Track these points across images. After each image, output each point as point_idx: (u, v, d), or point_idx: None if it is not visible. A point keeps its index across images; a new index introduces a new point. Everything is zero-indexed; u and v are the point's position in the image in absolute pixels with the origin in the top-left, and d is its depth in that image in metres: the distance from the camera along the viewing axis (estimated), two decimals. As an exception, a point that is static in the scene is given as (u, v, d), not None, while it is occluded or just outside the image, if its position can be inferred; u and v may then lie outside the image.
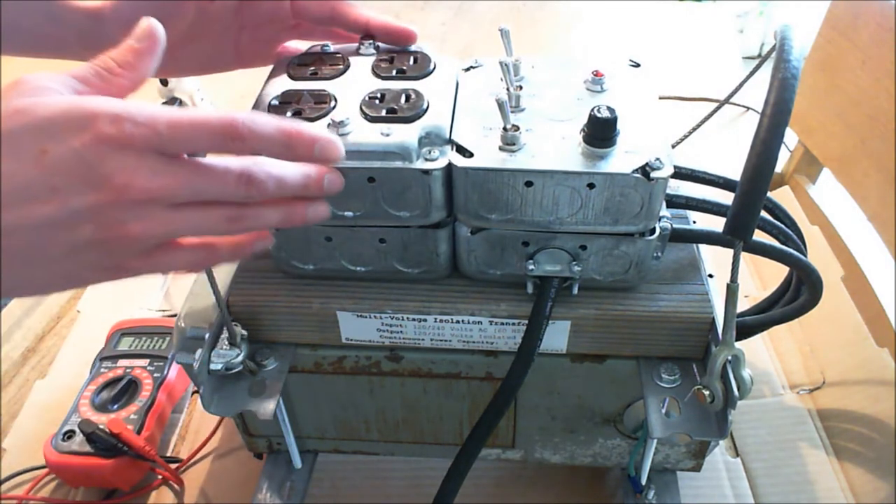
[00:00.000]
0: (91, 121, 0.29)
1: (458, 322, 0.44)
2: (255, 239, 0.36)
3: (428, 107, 0.40)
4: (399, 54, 0.45)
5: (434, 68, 0.44)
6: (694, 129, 0.59)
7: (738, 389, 0.39)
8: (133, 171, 0.29)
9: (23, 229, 0.29)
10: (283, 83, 0.43)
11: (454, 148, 0.39)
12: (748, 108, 0.98)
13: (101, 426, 0.56)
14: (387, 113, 0.40)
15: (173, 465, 0.60)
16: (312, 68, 0.44)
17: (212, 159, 0.31)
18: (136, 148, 0.29)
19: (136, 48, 0.33)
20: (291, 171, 0.33)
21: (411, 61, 0.44)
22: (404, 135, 0.38)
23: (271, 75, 0.44)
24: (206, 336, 0.43)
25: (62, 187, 0.29)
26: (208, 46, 0.47)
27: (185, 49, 0.46)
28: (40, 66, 0.34)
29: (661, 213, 0.40)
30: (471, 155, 0.38)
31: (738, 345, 0.39)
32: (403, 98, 0.41)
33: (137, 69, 0.33)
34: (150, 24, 0.33)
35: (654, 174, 0.37)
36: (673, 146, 0.59)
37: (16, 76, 0.31)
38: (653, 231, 0.40)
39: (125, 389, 0.61)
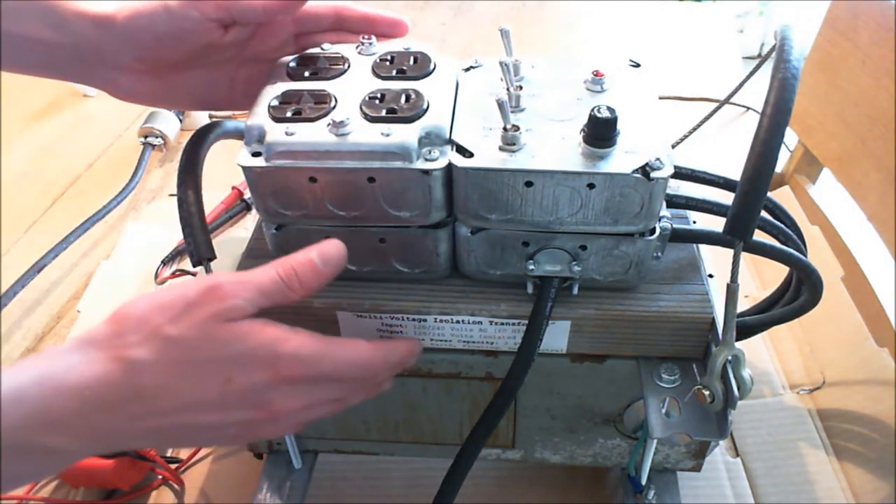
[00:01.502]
0: (275, 362, 0.34)
1: (458, 322, 0.44)
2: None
3: (428, 107, 0.40)
4: (399, 54, 0.45)
5: (434, 68, 0.44)
6: (694, 129, 0.59)
7: (738, 389, 0.39)
8: (292, 399, 0.36)
9: (185, 428, 0.34)
10: (283, 83, 0.43)
11: (454, 148, 0.39)
12: (748, 108, 0.98)
13: (101, 426, 0.56)
14: (387, 113, 0.40)
15: (173, 465, 0.60)
16: (312, 68, 0.44)
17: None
18: (302, 382, 0.36)
19: (321, 273, 0.37)
20: (397, 358, 0.40)
21: (411, 61, 0.44)
22: (404, 135, 0.38)
23: (271, 75, 0.44)
24: (206, 336, 0.43)
25: (233, 407, 0.34)
26: (204, 78, 0.45)
27: (181, 76, 0.44)
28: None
29: (661, 213, 0.40)
30: (471, 155, 0.38)
31: (738, 345, 0.39)
32: (403, 98, 0.41)
33: (312, 291, 0.37)
34: (340, 251, 0.38)
35: (654, 174, 0.37)
36: (673, 146, 0.59)
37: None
38: (653, 231, 0.40)
39: (125, 389, 0.61)
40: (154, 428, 0.33)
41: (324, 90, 0.42)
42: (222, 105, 0.47)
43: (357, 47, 0.46)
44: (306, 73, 0.43)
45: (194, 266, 0.42)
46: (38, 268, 0.78)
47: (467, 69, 0.46)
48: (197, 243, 0.41)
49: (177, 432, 0.35)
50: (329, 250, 0.37)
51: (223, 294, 0.34)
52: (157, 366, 0.33)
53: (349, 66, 0.44)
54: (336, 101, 0.41)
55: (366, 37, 0.46)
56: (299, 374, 0.35)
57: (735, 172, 0.39)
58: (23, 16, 0.40)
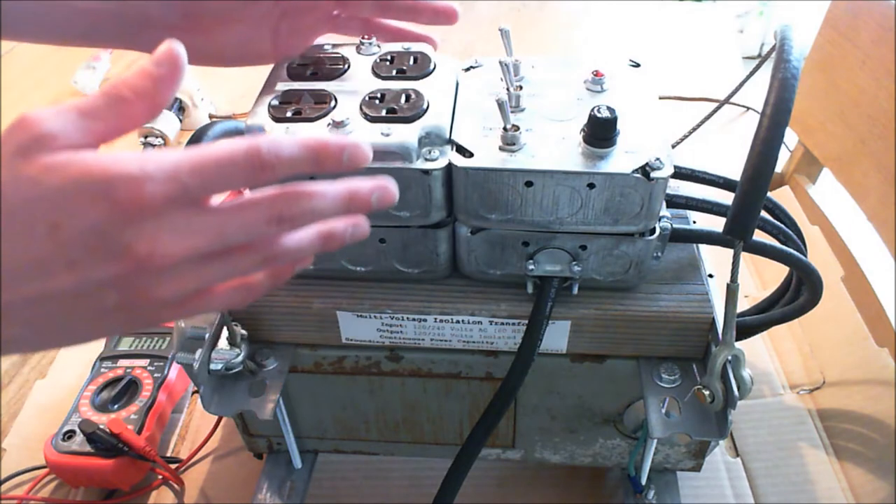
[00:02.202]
0: (106, 189, 0.26)
1: (458, 322, 0.44)
2: (292, 267, 0.34)
3: (428, 107, 0.40)
4: (399, 54, 0.45)
5: (434, 68, 0.44)
6: (694, 129, 0.59)
7: (738, 389, 0.39)
8: (155, 237, 0.27)
9: (43, 300, 0.27)
10: (284, 83, 0.43)
11: (454, 148, 0.39)
12: (748, 108, 0.98)
13: (102, 426, 0.56)
14: (387, 113, 0.40)
15: (173, 465, 0.60)
16: (312, 68, 0.44)
17: (238, 199, 0.30)
18: (158, 208, 0.27)
19: (154, 74, 0.29)
20: (331, 194, 0.30)
21: (411, 61, 0.44)
22: (404, 135, 0.38)
23: (271, 75, 0.44)
24: (206, 336, 0.43)
25: (80, 260, 0.27)
26: (245, 33, 0.44)
27: (221, 34, 0.44)
28: (41, 54, 0.33)
29: (661, 213, 0.40)
30: (471, 155, 0.38)
31: (738, 345, 0.39)
32: (403, 98, 0.41)
33: (154, 98, 0.30)
34: (171, 47, 0.30)
35: (654, 174, 0.37)
36: (673, 146, 0.59)
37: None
38: (653, 231, 0.40)
39: (125, 389, 0.61)
40: None
41: (324, 90, 0.42)
42: (268, 59, 0.46)
43: (357, 47, 0.46)
44: (306, 73, 0.43)
45: (194, 266, 0.42)
46: (37, 268, 0.77)
47: (467, 69, 0.46)
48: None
49: (32, 312, 0.28)
50: (161, 46, 0.30)
51: (30, 122, 0.27)
52: None
53: (349, 66, 0.44)
54: (336, 101, 0.41)
55: (366, 36, 0.46)
56: (149, 198, 0.26)
57: (735, 172, 0.39)
58: None
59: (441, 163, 0.38)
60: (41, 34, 0.42)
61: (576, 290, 0.42)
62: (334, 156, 0.30)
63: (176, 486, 0.60)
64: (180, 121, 0.98)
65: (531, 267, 0.41)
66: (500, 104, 0.38)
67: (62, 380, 0.68)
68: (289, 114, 0.40)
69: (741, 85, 0.48)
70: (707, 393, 0.40)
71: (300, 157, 0.29)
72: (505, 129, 0.39)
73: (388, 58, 0.44)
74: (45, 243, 0.26)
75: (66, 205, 0.26)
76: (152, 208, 0.27)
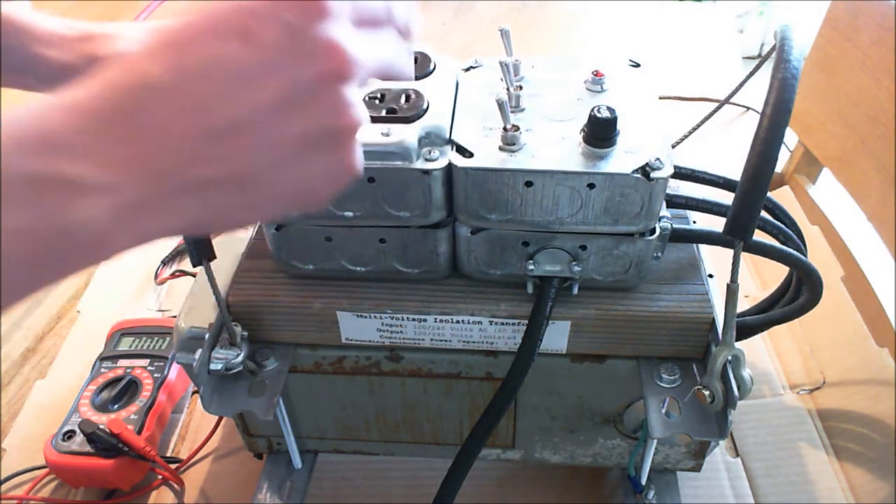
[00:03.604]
0: None
1: (458, 322, 0.44)
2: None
3: (428, 107, 0.40)
4: (399, 54, 0.45)
5: (434, 68, 0.44)
6: (694, 129, 0.59)
7: (738, 389, 0.39)
8: (344, 37, 0.26)
9: (258, 117, 0.25)
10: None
11: (454, 148, 0.39)
12: (748, 108, 0.98)
13: (102, 426, 0.56)
14: (387, 113, 0.40)
15: (173, 465, 0.60)
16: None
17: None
18: (340, 16, 0.26)
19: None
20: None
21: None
22: (404, 135, 0.38)
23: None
24: (206, 336, 0.43)
25: (278, 61, 0.25)
26: None
27: None
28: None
29: (661, 213, 0.40)
30: (471, 155, 0.38)
31: (738, 345, 0.39)
32: (403, 98, 0.41)
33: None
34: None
35: (654, 174, 0.37)
36: (673, 146, 0.59)
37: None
38: (653, 231, 0.40)
39: (125, 389, 0.61)
40: (203, 132, 0.25)
41: (324, 90, 0.41)
42: None
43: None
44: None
45: (194, 266, 0.42)
46: (38, 268, 0.77)
47: (467, 69, 0.46)
48: (197, 243, 0.41)
49: (242, 143, 0.25)
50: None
51: None
52: (164, 54, 0.25)
53: (349, 66, 0.44)
54: (336, 101, 0.41)
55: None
56: (333, 5, 0.26)
57: (735, 172, 0.39)
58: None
59: (441, 163, 0.38)
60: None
61: (576, 290, 0.42)
62: None
63: (176, 486, 0.60)
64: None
65: (531, 267, 0.41)
66: (500, 104, 0.38)
67: (62, 380, 0.68)
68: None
69: (741, 85, 0.48)
70: (707, 393, 0.40)
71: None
72: (505, 129, 0.38)
73: (388, 58, 0.44)
74: (241, 51, 0.25)
75: (254, 9, 0.25)
76: (336, 14, 0.26)
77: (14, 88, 0.43)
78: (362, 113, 0.28)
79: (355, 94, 0.27)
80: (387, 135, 0.38)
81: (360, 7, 0.28)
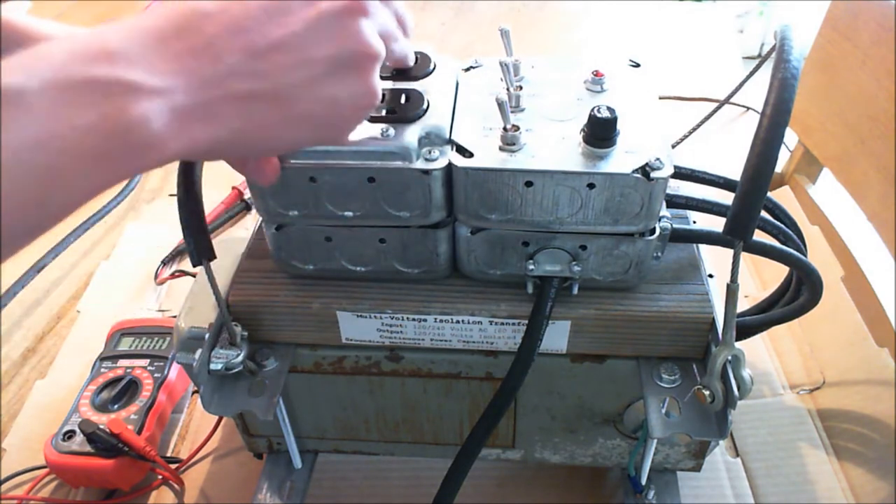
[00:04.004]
0: None
1: (458, 322, 0.44)
2: None
3: (428, 107, 0.40)
4: (399, 54, 0.45)
5: (434, 68, 0.44)
6: (694, 129, 0.59)
7: (738, 389, 0.39)
8: None
9: (292, 39, 0.29)
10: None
11: (454, 148, 0.39)
12: (748, 108, 0.98)
13: (102, 426, 0.56)
14: (387, 113, 0.40)
15: (173, 465, 0.60)
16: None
17: None
18: None
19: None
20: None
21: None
22: (404, 135, 0.38)
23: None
24: (206, 336, 0.43)
25: None
26: None
27: None
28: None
29: (661, 213, 0.40)
30: (471, 155, 0.38)
31: (738, 345, 0.39)
32: (403, 98, 0.41)
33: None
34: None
35: (654, 174, 0.37)
36: (673, 146, 0.59)
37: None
38: (653, 231, 0.40)
39: (125, 389, 0.61)
40: (245, 49, 0.28)
41: (324, 90, 0.41)
42: None
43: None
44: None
45: (194, 266, 0.42)
46: (38, 268, 0.78)
47: (467, 69, 0.46)
48: (197, 243, 0.41)
49: (277, 60, 0.29)
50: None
51: None
52: None
53: (349, 66, 0.44)
54: (336, 101, 0.41)
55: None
56: None
57: (735, 172, 0.39)
58: None
59: (441, 163, 0.38)
60: None
61: (576, 290, 0.42)
62: None
63: (176, 486, 0.60)
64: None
65: (531, 267, 0.41)
66: (500, 104, 0.38)
67: (62, 380, 0.68)
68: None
69: (741, 85, 0.48)
70: (707, 393, 0.40)
71: None
72: (505, 129, 0.39)
73: (388, 58, 0.44)
74: None
75: None
76: None
77: None
78: (380, 46, 0.32)
79: (373, 29, 0.31)
80: (387, 135, 0.38)
81: None
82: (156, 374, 0.62)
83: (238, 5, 0.28)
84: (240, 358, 0.43)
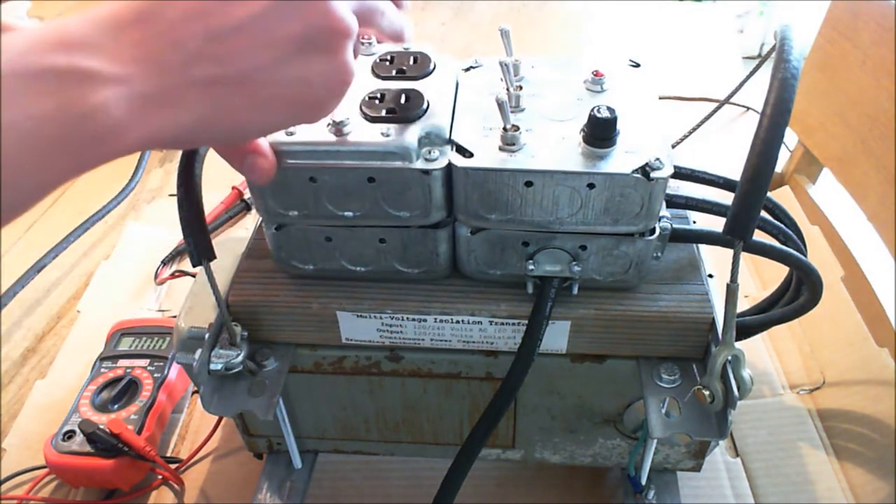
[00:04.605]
0: None
1: (458, 322, 0.44)
2: None
3: (428, 107, 0.40)
4: (399, 54, 0.45)
5: (434, 68, 0.44)
6: (694, 129, 0.59)
7: (738, 389, 0.39)
8: None
9: (254, 20, 0.28)
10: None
11: (454, 148, 0.39)
12: (748, 108, 0.98)
13: (102, 426, 0.56)
14: (387, 113, 0.40)
15: (173, 465, 0.60)
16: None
17: None
18: None
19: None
20: None
21: (411, 61, 0.44)
22: (404, 135, 0.38)
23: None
24: (206, 336, 0.43)
25: None
26: None
27: None
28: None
29: (661, 213, 0.40)
30: (471, 155, 0.38)
31: (738, 345, 0.39)
32: (403, 98, 0.41)
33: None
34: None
35: (654, 174, 0.37)
36: (673, 146, 0.59)
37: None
38: (653, 231, 0.40)
39: (125, 389, 0.61)
40: (205, 33, 0.27)
41: (324, 90, 0.41)
42: None
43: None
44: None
45: (194, 266, 0.42)
46: (38, 268, 0.78)
47: (467, 69, 0.46)
48: (197, 243, 0.41)
49: (240, 43, 0.28)
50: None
51: None
52: None
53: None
54: (336, 101, 0.41)
55: (366, 37, 0.46)
56: None
57: (735, 172, 0.39)
58: None
59: (441, 163, 0.38)
60: None
61: (576, 290, 0.42)
62: None
63: (176, 486, 0.60)
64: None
65: (531, 267, 0.41)
66: (500, 104, 0.38)
67: (62, 380, 0.68)
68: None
69: (741, 85, 0.48)
70: (707, 393, 0.40)
71: None
72: (505, 129, 0.38)
73: (388, 58, 0.44)
74: None
75: None
76: None
77: None
78: (352, 22, 0.30)
79: (344, 5, 0.30)
80: (387, 135, 0.38)
81: None
82: (156, 374, 0.62)
83: None
84: (240, 358, 0.43)
